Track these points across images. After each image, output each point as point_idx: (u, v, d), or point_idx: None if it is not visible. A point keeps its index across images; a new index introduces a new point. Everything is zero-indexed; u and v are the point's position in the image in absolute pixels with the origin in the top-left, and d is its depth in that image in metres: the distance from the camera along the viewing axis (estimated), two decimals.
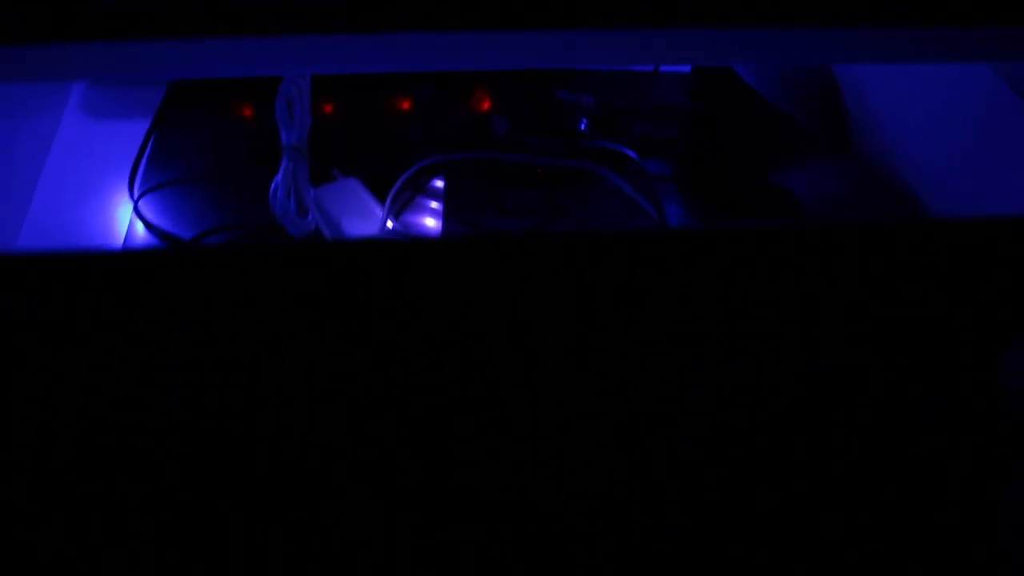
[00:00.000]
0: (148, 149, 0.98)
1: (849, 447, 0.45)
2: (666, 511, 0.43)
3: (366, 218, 0.89)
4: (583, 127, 1.00)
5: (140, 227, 0.89)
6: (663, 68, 1.08)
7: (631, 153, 0.96)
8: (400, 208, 0.92)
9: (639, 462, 0.44)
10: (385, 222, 0.89)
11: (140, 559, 0.40)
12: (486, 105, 1.03)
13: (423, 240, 0.49)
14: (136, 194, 0.93)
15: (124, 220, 0.91)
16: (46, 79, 0.47)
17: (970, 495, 0.44)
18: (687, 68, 1.09)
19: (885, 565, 0.43)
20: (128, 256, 0.50)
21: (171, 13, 0.42)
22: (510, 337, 0.45)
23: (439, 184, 0.94)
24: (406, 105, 1.04)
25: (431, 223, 0.91)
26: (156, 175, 0.95)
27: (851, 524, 0.43)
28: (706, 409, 0.45)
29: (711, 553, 0.43)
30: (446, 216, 0.91)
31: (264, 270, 0.46)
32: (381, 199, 0.91)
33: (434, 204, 0.93)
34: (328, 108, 1.03)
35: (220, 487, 0.43)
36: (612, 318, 0.46)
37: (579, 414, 0.45)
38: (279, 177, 0.87)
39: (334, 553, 0.42)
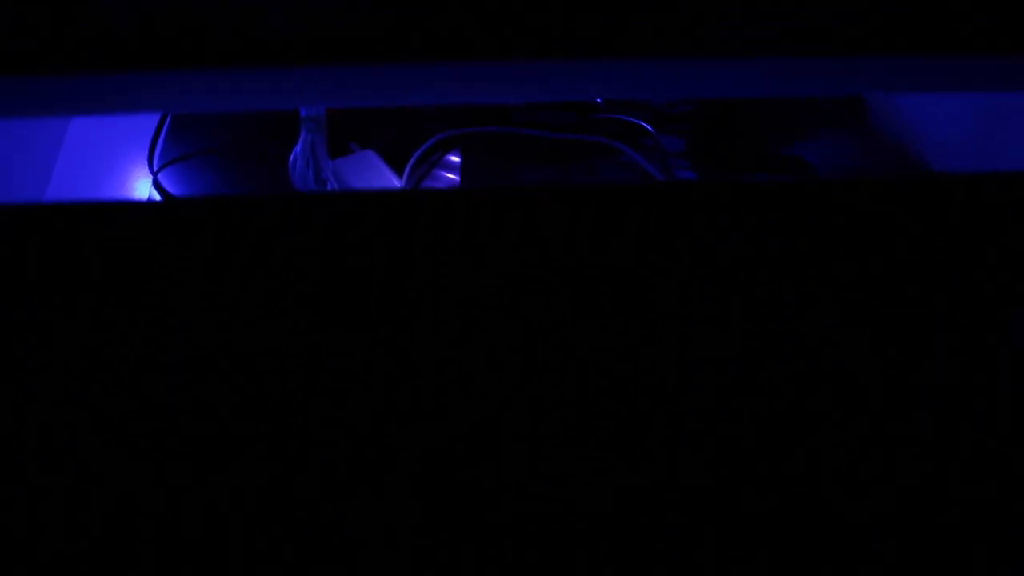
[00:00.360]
0: (167, 122, 0.98)
1: (849, 444, 0.45)
2: (666, 511, 0.43)
3: None
4: (599, 100, 0.99)
5: None
6: None
7: (647, 126, 0.95)
8: (417, 181, 0.92)
9: (639, 461, 0.44)
10: None
11: (140, 559, 0.41)
12: None
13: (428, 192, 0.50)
14: (155, 167, 0.93)
15: (143, 193, 0.91)
16: (59, 113, 0.47)
17: (972, 493, 0.44)
18: None
19: (886, 565, 0.42)
20: (133, 208, 0.50)
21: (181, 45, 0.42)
22: (510, 326, 0.45)
23: (455, 158, 0.94)
24: None
25: None
26: (175, 148, 0.96)
27: (851, 523, 0.43)
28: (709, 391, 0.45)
29: (711, 553, 0.42)
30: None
31: (272, 221, 0.46)
32: (398, 172, 0.91)
33: (450, 177, 0.92)
34: None
35: (220, 485, 0.43)
36: (615, 286, 0.46)
37: (580, 412, 0.45)
38: (298, 149, 0.87)
39: (334, 553, 0.42)
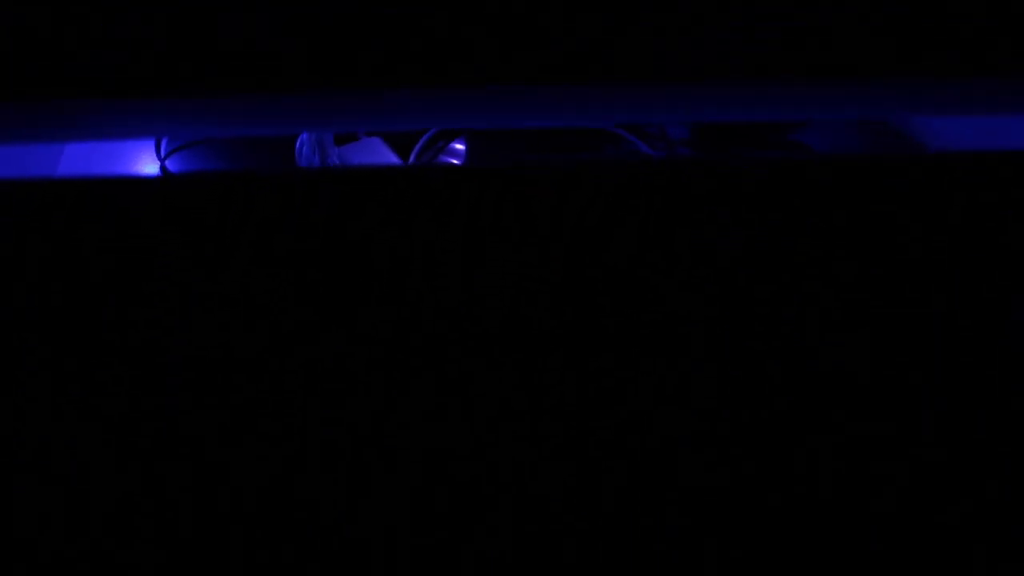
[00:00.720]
0: None
1: (847, 444, 0.44)
2: (666, 511, 0.43)
3: None
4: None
5: None
6: None
7: None
8: None
9: (639, 461, 0.44)
10: None
11: (140, 559, 0.41)
12: None
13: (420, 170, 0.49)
14: (163, 153, 0.93)
15: None
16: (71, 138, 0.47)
17: (972, 493, 0.44)
18: None
19: (886, 565, 0.42)
20: (136, 184, 0.50)
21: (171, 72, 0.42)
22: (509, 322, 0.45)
23: (460, 146, 0.94)
24: None
25: None
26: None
27: (851, 523, 0.43)
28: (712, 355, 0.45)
29: (711, 553, 0.43)
30: None
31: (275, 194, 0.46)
32: (403, 158, 0.91)
33: (455, 164, 0.92)
34: None
35: (220, 485, 0.43)
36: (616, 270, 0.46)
37: (578, 410, 0.44)
38: (304, 135, 0.87)
39: (334, 553, 0.42)
